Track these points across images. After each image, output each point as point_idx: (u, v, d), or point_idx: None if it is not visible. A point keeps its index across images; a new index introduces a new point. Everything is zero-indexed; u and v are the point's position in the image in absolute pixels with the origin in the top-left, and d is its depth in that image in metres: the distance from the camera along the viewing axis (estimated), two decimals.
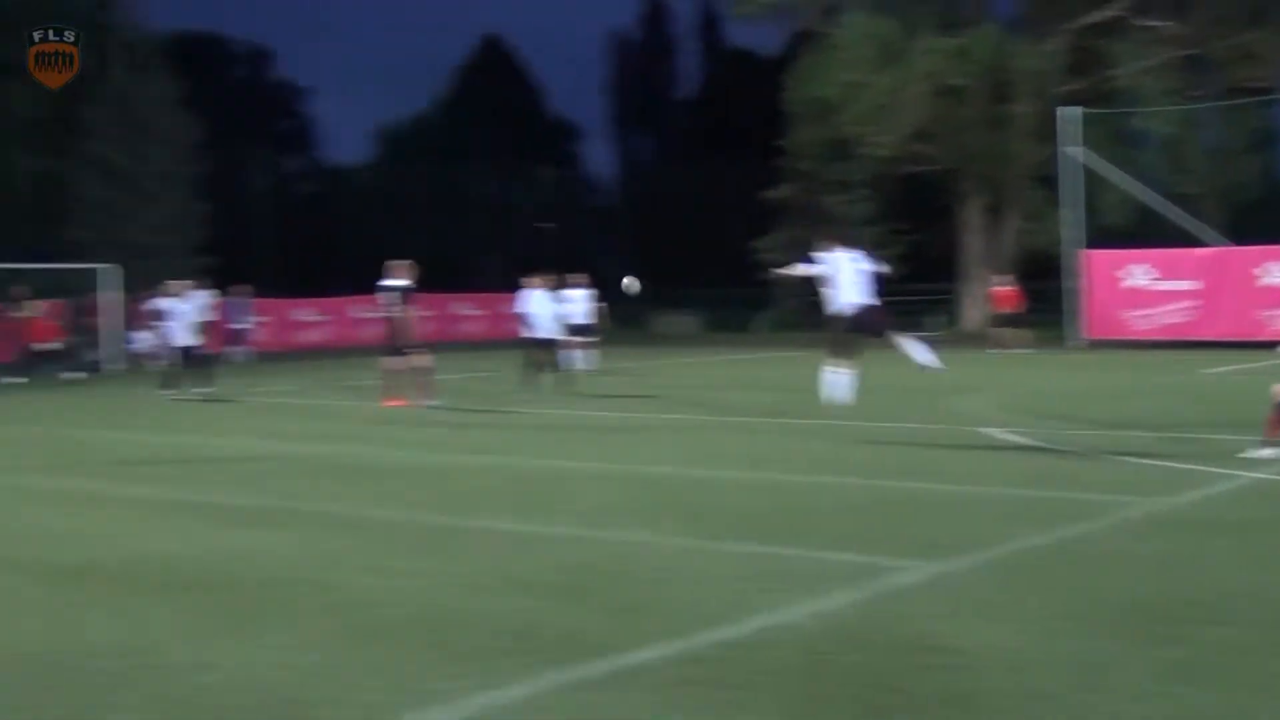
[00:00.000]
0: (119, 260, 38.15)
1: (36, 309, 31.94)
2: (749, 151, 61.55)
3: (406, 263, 21.37)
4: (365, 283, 33.86)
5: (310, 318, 43.26)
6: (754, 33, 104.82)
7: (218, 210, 47.08)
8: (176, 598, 8.12)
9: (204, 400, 22.99)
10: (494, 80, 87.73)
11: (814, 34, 48.46)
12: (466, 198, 57.52)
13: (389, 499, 11.85)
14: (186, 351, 24.36)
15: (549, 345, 24.06)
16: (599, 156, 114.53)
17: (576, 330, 27.13)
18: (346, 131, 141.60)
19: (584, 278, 28.54)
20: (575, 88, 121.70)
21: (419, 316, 21.74)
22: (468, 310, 47.79)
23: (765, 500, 11.53)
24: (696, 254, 63.50)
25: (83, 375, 30.51)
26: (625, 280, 25.48)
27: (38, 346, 31.35)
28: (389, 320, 21.36)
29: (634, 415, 19.66)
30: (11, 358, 31.41)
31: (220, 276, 40.80)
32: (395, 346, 21.25)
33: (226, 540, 9.92)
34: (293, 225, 56.78)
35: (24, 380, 29.76)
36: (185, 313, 24.69)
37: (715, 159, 72.29)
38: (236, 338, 37.27)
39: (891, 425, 16.51)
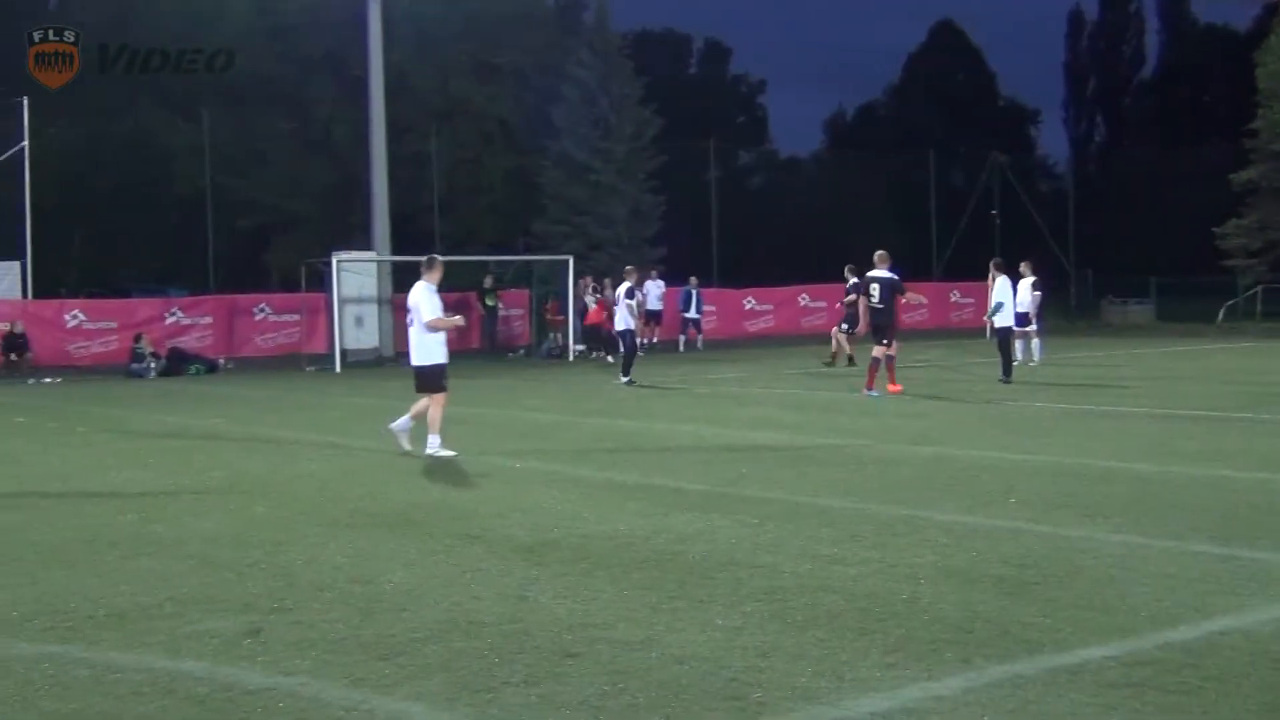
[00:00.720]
0: (577, 252, 39.92)
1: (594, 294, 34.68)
2: (1214, 132, 58.37)
3: (881, 253, 21.68)
4: (812, 273, 34.20)
5: (758, 307, 43.95)
6: (1223, 7, 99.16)
7: (671, 202, 48.46)
8: (624, 576, 8.47)
9: (632, 385, 23.87)
10: (946, 65, 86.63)
11: None
12: (915, 186, 56.98)
13: (830, 486, 11.94)
14: (629, 337, 25.30)
15: (1008, 334, 23.69)
16: (1050, 140, 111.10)
17: (1021, 319, 26.74)
18: (798, 123, 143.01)
19: (1029, 265, 27.96)
20: (1030, 70, 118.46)
21: (899, 306, 21.59)
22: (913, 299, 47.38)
23: (1220, 498, 10.95)
24: (1152, 240, 60.62)
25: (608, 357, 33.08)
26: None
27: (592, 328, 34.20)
28: (872, 309, 21.39)
29: (1079, 406, 19.03)
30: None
31: (672, 267, 42.05)
32: (876, 333, 21.24)
33: (672, 522, 10.25)
34: (743, 216, 57.78)
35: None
36: (640, 302, 25.75)
37: (1176, 141, 68.97)
38: (688, 326, 38.35)
39: None
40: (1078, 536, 9.36)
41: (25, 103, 34.01)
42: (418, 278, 15.05)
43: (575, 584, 8.25)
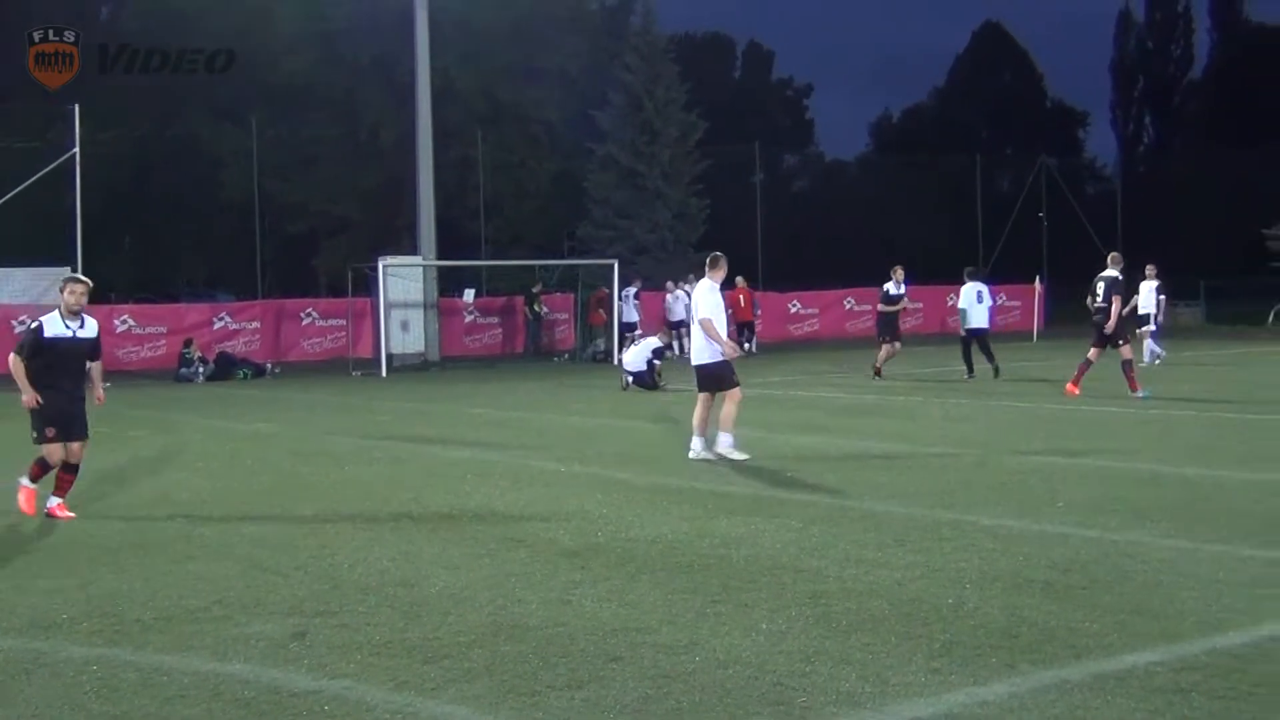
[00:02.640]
0: (622, 256, 39.91)
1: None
2: (1264, 133, 57.80)
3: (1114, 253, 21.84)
4: (858, 276, 34.10)
5: (803, 310, 43.89)
6: (1276, 6, 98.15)
7: (716, 206, 48.39)
8: (668, 579, 8.47)
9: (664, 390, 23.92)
10: (992, 67, 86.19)
11: None
12: (961, 189, 56.74)
13: (875, 490, 11.89)
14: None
15: (974, 336, 24.16)
16: (1098, 142, 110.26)
17: (1145, 320, 27.91)
18: (844, 126, 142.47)
19: (1153, 269, 28.57)
20: (1078, 72, 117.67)
21: (1121, 308, 21.27)
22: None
23: (1270, 502, 10.86)
24: (1200, 242, 60.06)
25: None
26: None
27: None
28: (1097, 309, 21.17)
29: (1126, 409, 18.87)
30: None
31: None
32: (1104, 336, 20.95)
33: (718, 526, 10.24)
34: (788, 220, 57.63)
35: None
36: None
37: (1225, 141, 68.33)
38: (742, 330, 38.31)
39: None
40: (1125, 541, 9.29)
41: (76, 110, 34.34)
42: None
43: (619, 588, 8.25)
